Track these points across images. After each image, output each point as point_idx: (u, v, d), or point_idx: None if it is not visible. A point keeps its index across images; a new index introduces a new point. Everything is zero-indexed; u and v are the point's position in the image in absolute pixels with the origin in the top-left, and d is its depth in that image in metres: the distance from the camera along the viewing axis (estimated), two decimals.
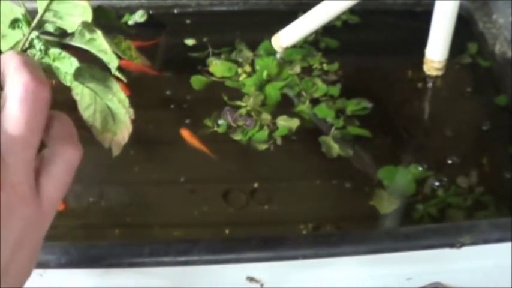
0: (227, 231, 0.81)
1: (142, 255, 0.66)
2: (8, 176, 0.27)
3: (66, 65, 0.36)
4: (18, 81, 0.29)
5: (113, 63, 0.37)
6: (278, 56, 1.04)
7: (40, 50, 0.36)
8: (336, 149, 0.90)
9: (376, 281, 0.71)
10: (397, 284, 0.71)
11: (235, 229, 0.81)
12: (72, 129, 0.32)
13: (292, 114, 0.95)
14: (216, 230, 0.82)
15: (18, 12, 0.36)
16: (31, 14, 0.38)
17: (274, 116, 0.95)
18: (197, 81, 1.01)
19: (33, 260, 0.30)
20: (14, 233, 0.28)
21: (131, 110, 0.39)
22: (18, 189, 0.28)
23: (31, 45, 0.36)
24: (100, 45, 0.36)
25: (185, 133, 0.93)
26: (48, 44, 0.36)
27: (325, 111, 0.95)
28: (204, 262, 0.66)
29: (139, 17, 1.13)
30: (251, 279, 0.68)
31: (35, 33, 0.36)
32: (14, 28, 0.36)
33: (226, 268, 0.67)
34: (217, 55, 1.05)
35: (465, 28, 1.07)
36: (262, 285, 0.69)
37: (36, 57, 0.35)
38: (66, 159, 0.31)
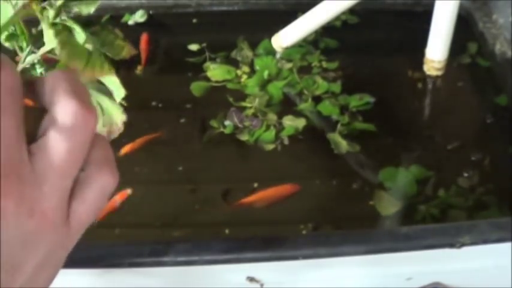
0: (227, 231, 0.81)
1: (142, 255, 0.66)
2: (41, 203, 0.27)
3: None
4: (66, 108, 0.28)
5: (119, 93, 0.37)
6: (278, 55, 1.04)
7: (41, 74, 0.36)
8: (344, 145, 0.90)
9: (376, 281, 0.71)
10: (397, 284, 0.71)
11: (235, 229, 0.81)
12: (110, 154, 0.31)
13: (295, 113, 0.95)
14: (216, 230, 0.82)
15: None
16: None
17: (279, 115, 0.95)
18: (197, 87, 1.00)
19: (52, 279, 0.30)
20: (38, 257, 0.28)
21: (124, 116, 0.39)
22: (48, 217, 0.27)
23: (32, 66, 0.36)
24: (112, 79, 0.36)
25: (126, 148, 0.90)
26: (49, 67, 0.36)
27: (329, 108, 0.95)
28: (204, 262, 0.66)
29: (139, 17, 1.13)
30: (251, 279, 0.68)
31: (36, 57, 0.35)
32: (10, 41, 0.36)
33: (226, 268, 0.67)
34: (213, 59, 1.05)
35: (465, 28, 1.07)
36: (262, 285, 0.69)
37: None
38: (101, 185, 0.30)
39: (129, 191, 0.84)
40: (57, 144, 0.27)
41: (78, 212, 0.29)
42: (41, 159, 0.27)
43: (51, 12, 0.34)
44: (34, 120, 0.29)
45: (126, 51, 0.39)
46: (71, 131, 0.28)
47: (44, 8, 0.34)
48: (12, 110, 0.26)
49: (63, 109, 0.28)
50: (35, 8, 0.34)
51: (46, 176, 0.27)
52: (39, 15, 0.34)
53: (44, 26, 0.34)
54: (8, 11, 0.35)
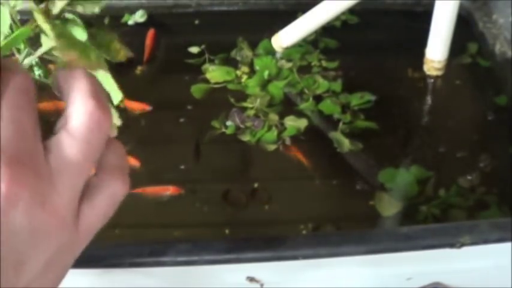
0: (227, 231, 0.81)
1: (142, 255, 0.66)
2: (53, 198, 0.27)
3: None
4: (83, 107, 0.28)
5: (116, 96, 0.37)
6: (278, 55, 1.04)
7: (39, 76, 0.36)
8: (346, 143, 0.90)
9: (376, 281, 0.71)
10: (397, 284, 0.71)
11: (235, 229, 0.81)
12: (124, 161, 0.31)
13: (297, 113, 0.95)
14: (216, 230, 0.82)
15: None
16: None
17: (281, 115, 0.95)
18: (197, 89, 1.00)
19: (58, 283, 0.30)
20: (46, 255, 0.28)
21: (120, 121, 0.39)
22: (59, 213, 0.28)
23: (30, 68, 0.36)
24: (109, 81, 0.36)
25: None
26: (47, 69, 0.36)
27: (330, 107, 0.95)
28: (204, 262, 0.66)
29: (139, 17, 1.13)
30: (251, 279, 0.68)
31: (33, 58, 0.35)
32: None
33: (226, 268, 0.67)
34: (212, 61, 1.05)
35: (465, 28, 1.07)
36: (262, 285, 0.69)
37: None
38: (112, 192, 0.30)
39: (182, 191, 0.85)
40: (71, 142, 0.28)
41: (87, 216, 0.29)
42: (56, 155, 0.28)
43: (55, 9, 0.34)
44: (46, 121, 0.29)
45: (122, 54, 0.39)
46: (87, 131, 0.28)
47: (45, 11, 0.34)
48: (28, 108, 0.27)
49: (80, 108, 0.28)
50: (39, 20, 0.33)
51: (60, 172, 0.28)
52: (36, 14, 0.34)
53: (42, 23, 0.34)
54: (7, 15, 0.35)
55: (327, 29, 1.06)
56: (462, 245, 0.66)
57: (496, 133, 0.94)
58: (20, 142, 0.26)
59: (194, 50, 1.07)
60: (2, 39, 0.35)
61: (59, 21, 0.34)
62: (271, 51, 1.04)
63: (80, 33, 0.35)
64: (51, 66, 0.39)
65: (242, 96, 0.98)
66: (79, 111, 0.28)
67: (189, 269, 0.67)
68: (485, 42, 1.06)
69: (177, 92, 1.02)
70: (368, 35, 1.10)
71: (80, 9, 0.36)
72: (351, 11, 1.07)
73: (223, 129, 0.93)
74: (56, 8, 0.34)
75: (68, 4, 0.35)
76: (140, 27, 1.11)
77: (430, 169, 0.87)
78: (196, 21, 1.14)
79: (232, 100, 0.97)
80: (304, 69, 1.03)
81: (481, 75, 1.04)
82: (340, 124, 0.93)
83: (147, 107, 0.96)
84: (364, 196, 0.84)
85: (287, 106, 0.97)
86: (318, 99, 0.98)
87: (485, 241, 0.68)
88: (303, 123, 0.94)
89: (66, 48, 0.34)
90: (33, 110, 0.27)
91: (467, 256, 0.68)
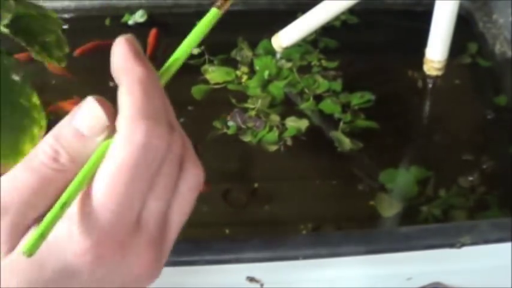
0: (227, 231, 0.81)
1: None
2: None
3: None
4: (197, 176, 0.35)
5: None
6: (278, 55, 1.04)
7: None
8: (347, 142, 0.90)
9: (376, 281, 0.71)
10: (397, 284, 0.71)
11: (235, 229, 0.81)
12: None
13: (298, 113, 0.95)
14: (216, 230, 0.82)
15: None
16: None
17: (282, 116, 0.95)
18: (198, 90, 1.00)
19: None
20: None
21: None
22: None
23: None
24: None
25: None
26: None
27: (331, 107, 0.96)
28: (204, 262, 0.66)
29: (139, 17, 1.13)
30: (251, 279, 0.68)
31: None
32: None
33: (226, 268, 0.67)
34: (211, 62, 1.04)
35: (465, 28, 1.07)
36: (262, 285, 0.69)
37: None
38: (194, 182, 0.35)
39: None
40: (186, 205, 0.36)
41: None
42: (174, 220, 0.36)
43: None
44: None
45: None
46: (196, 192, 0.35)
47: None
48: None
49: (195, 177, 0.35)
50: None
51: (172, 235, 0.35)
52: None
53: None
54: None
55: (326, 29, 1.06)
56: (462, 245, 0.66)
57: (496, 133, 0.94)
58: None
59: (194, 50, 1.07)
60: None
61: None
62: (271, 51, 1.04)
63: None
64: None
65: (242, 96, 0.98)
66: (195, 180, 0.35)
67: (189, 269, 0.67)
68: (485, 42, 1.06)
69: (177, 93, 1.01)
70: (368, 35, 1.10)
71: None
72: (351, 11, 1.07)
73: (225, 130, 0.93)
74: None
75: None
76: (140, 27, 1.11)
77: (430, 169, 0.87)
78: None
79: (233, 101, 0.97)
80: (304, 69, 1.03)
81: (481, 75, 1.04)
82: (341, 123, 0.93)
83: None
84: (365, 196, 0.84)
85: (288, 106, 0.97)
86: (318, 98, 0.98)
87: (485, 241, 0.68)
88: (303, 124, 0.94)
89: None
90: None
91: (467, 256, 0.68)
